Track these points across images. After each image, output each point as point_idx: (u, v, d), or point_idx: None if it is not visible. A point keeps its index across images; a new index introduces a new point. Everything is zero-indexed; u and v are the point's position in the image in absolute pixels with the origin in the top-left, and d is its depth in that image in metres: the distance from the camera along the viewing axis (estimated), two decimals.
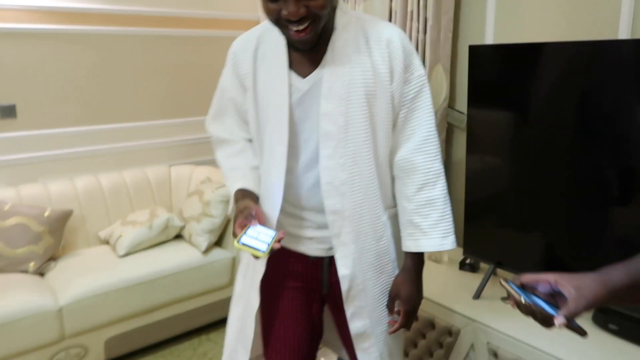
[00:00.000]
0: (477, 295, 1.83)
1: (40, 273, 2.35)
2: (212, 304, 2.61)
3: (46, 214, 2.38)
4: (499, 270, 1.99)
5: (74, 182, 2.67)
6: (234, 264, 2.65)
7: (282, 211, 1.28)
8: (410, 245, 1.24)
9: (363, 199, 1.21)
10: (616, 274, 0.79)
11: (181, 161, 3.14)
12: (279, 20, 1.08)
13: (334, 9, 1.17)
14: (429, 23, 2.22)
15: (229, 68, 1.30)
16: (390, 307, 1.28)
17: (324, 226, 1.25)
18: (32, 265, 2.31)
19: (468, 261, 2.06)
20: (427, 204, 1.22)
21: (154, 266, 2.40)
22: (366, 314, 1.28)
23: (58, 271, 2.33)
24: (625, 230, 1.53)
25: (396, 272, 1.30)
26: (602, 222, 1.57)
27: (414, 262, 1.26)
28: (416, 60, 1.20)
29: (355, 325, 1.29)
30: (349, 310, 1.28)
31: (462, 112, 2.26)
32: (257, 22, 3.33)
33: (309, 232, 1.28)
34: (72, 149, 2.74)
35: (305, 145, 1.21)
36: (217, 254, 2.61)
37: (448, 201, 1.24)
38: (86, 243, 2.63)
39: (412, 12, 2.30)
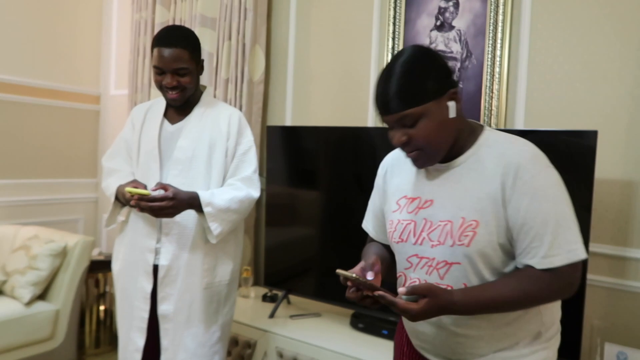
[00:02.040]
0: (272, 315, 2.33)
1: None
2: (33, 357, 2.65)
3: None
4: (291, 297, 2.53)
5: None
6: (57, 317, 2.75)
7: None
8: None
9: (193, 213, 1.71)
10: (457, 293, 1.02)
11: (7, 222, 3.17)
12: (161, 87, 1.72)
13: (201, 92, 1.84)
14: (243, 109, 2.83)
15: (128, 120, 1.91)
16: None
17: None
18: None
19: (268, 294, 2.58)
20: (227, 187, 1.76)
21: None
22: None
23: None
24: None
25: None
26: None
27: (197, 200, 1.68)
28: (247, 131, 1.86)
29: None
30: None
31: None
32: (97, 97, 3.65)
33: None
34: None
35: (164, 168, 1.78)
36: (41, 306, 2.69)
37: (241, 207, 1.74)
38: None
39: (230, 100, 2.89)
